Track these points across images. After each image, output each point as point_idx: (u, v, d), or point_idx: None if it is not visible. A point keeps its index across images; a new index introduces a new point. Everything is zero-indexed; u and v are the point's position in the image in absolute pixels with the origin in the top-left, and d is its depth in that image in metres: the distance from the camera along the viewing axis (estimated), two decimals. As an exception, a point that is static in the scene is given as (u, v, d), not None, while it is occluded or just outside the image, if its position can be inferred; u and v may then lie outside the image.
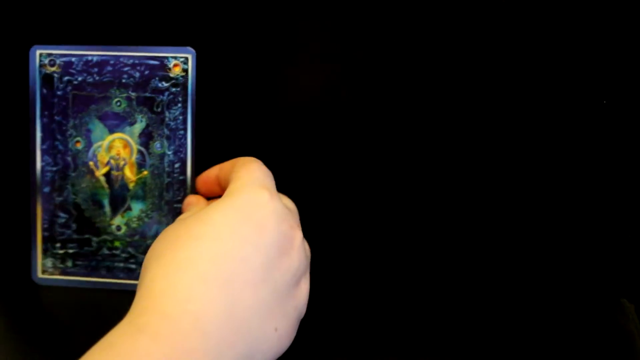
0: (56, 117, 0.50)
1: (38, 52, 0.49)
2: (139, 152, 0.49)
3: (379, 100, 0.50)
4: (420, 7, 0.48)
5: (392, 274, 0.51)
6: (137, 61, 0.48)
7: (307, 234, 0.41)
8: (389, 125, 0.50)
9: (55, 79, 0.49)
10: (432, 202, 0.50)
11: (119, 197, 0.50)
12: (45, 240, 0.51)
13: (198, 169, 0.48)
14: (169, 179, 0.49)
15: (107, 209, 0.50)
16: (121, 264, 0.50)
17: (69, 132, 0.50)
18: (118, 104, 0.49)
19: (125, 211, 0.50)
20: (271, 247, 0.37)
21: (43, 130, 0.50)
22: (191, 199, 0.47)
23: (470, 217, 0.51)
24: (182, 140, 0.49)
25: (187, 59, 0.48)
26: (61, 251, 0.51)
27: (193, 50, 0.48)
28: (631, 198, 0.49)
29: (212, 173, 0.46)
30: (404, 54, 0.49)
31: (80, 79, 0.49)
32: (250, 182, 0.39)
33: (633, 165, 0.49)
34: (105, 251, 0.50)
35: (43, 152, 0.50)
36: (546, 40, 0.48)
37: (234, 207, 0.37)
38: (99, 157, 0.50)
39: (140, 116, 0.49)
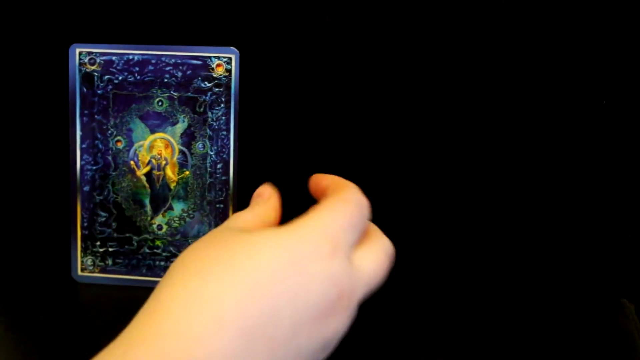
0: (96, 116, 0.49)
1: (78, 50, 0.49)
2: (181, 152, 0.49)
3: (427, 99, 0.50)
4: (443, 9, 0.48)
5: (393, 273, 0.52)
6: (179, 61, 0.48)
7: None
8: (440, 126, 0.50)
9: (96, 78, 0.49)
10: (432, 202, 0.51)
11: (160, 197, 0.50)
12: (84, 238, 0.51)
13: (241, 170, 0.49)
14: (211, 180, 0.49)
15: (148, 208, 0.50)
16: (162, 263, 0.50)
17: (109, 131, 0.49)
18: (160, 103, 0.49)
19: (166, 210, 0.50)
20: (311, 309, 0.32)
21: (83, 129, 0.50)
22: (264, 191, 0.40)
23: (470, 217, 0.51)
24: (225, 140, 0.48)
25: (230, 59, 0.48)
26: (101, 249, 0.51)
27: (236, 50, 0.48)
28: (631, 198, 0.50)
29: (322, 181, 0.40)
30: (446, 56, 0.49)
31: (121, 78, 0.49)
32: (322, 227, 0.33)
33: (633, 165, 0.49)
34: (146, 250, 0.50)
35: (83, 151, 0.50)
36: (546, 40, 0.48)
37: (292, 251, 0.32)
38: (140, 157, 0.50)
39: (182, 116, 0.49)
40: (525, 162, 0.50)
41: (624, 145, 0.49)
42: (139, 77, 0.49)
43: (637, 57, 0.47)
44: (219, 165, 0.49)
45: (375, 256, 0.36)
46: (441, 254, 0.51)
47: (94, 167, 0.50)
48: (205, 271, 0.31)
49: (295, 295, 0.31)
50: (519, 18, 0.48)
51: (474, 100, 0.50)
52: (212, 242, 0.34)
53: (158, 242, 0.50)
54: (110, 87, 0.49)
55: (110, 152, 0.50)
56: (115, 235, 0.50)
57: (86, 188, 0.50)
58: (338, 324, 0.33)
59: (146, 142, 0.49)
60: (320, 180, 0.40)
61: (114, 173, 0.50)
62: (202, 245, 0.34)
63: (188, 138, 0.49)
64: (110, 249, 0.51)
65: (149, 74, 0.48)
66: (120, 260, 0.51)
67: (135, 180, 0.50)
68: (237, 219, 0.37)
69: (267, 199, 0.39)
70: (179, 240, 0.50)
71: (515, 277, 0.51)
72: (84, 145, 0.50)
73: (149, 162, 0.50)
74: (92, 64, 0.49)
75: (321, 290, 0.32)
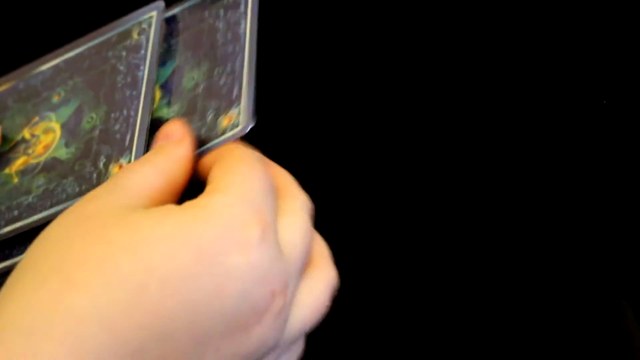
0: None
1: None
2: None
3: (454, 99, 0.50)
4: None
5: (393, 273, 0.52)
6: None
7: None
8: (445, 123, 0.50)
9: None
10: (432, 202, 0.51)
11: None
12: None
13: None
14: None
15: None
16: None
17: None
18: None
19: None
20: (220, 320, 0.23)
21: None
22: (174, 129, 0.28)
23: (470, 217, 0.51)
24: None
25: None
26: None
27: None
28: (631, 198, 0.50)
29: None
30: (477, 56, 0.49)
31: None
32: (238, 201, 0.24)
33: (633, 165, 0.49)
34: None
35: None
36: (546, 40, 0.48)
37: (199, 236, 0.23)
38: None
39: None
40: (525, 162, 0.50)
41: (624, 145, 0.49)
42: None
43: (637, 57, 0.47)
44: None
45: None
46: (442, 253, 0.51)
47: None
48: (69, 271, 0.23)
49: (202, 302, 0.23)
50: (519, 18, 0.48)
51: (474, 100, 0.50)
52: (90, 221, 0.24)
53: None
54: None
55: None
56: None
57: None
58: (268, 330, 0.24)
59: None
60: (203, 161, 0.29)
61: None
62: (74, 225, 0.24)
63: None
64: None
65: None
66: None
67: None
68: (132, 180, 0.26)
69: (178, 141, 0.28)
70: None
71: (515, 277, 0.51)
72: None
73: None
74: None
75: (244, 290, 0.23)
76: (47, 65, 0.36)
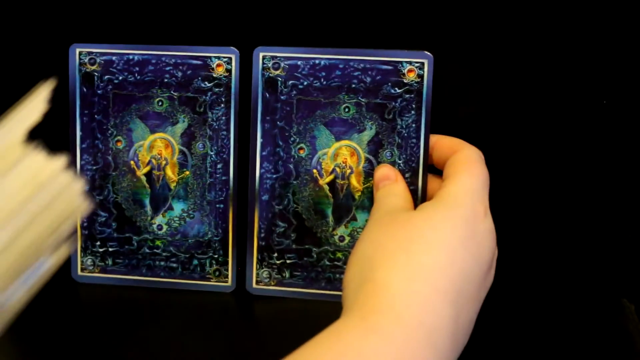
0: (96, 116, 0.49)
1: (78, 50, 0.49)
2: (181, 152, 0.49)
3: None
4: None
5: None
6: (179, 61, 0.48)
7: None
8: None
9: (96, 78, 0.49)
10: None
11: (160, 197, 0.50)
12: (84, 238, 0.51)
13: (240, 170, 0.48)
14: (211, 179, 0.49)
15: (148, 208, 0.50)
16: (162, 263, 0.50)
17: (109, 132, 0.50)
18: (160, 103, 0.49)
19: (166, 210, 0.50)
20: (485, 264, 0.37)
21: (83, 129, 0.50)
22: (388, 172, 0.45)
23: None
24: (225, 140, 0.48)
25: (230, 58, 0.48)
26: (101, 249, 0.51)
27: (236, 50, 0.48)
28: (631, 198, 0.50)
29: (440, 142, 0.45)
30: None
31: (121, 77, 0.49)
32: (472, 192, 0.39)
33: (633, 165, 0.49)
34: (146, 250, 0.50)
35: (83, 151, 0.50)
36: (546, 40, 0.48)
37: (462, 219, 0.37)
38: (140, 157, 0.50)
39: (182, 116, 0.49)
40: (525, 162, 0.50)
41: (624, 145, 0.49)
42: (139, 77, 0.49)
43: (637, 57, 0.47)
44: (219, 165, 0.49)
45: None
46: None
47: (94, 167, 0.50)
48: (411, 250, 0.36)
49: (477, 257, 0.37)
50: (520, 18, 0.48)
51: (473, 100, 0.50)
52: (399, 226, 0.38)
53: (158, 242, 0.50)
54: (110, 87, 0.49)
55: (110, 152, 0.50)
56: (115, 235, 0.50)
57: (86, 188, 0.50)
58: (493, 271, 0.39)
59: (146, 142, 0.49)
60: (441, 141, 0.45)
61: (114, 173, 0.50)
62: (393, 231, 0.37)
63: (188, 138, 0.49)
64: (110, 249, 0.51)
65: (149, 74, 0.48)
66: (120, 260, 0.51)
67: (135, 180, 0.50)
68: (391, 203, 0.42)
69: (395, 180, 0.45)
70: (179, 240, 0.50)
71: (515, 277, 0.51)
72: (84, 145, 0.50)
73: (149, 162, 0.50)
74: (92, 64, 0.49)
75: (488, 245, 0.38)
76: None
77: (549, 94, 0.49)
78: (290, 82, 0.47)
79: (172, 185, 0.50)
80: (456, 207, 0.38)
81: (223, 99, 0.48)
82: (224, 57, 0.48)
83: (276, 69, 0.47)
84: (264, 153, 0.48)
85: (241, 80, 0.48)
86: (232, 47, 0.48)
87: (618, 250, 0.50)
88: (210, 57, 0.48)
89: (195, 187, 0.49)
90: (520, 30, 0.48)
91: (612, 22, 0.47)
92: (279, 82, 0.47)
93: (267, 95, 0.47)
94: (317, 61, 0.47)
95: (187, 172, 0.49)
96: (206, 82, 0.48)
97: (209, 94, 0.48)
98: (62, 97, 0.50)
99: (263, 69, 0.47)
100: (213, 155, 0.49)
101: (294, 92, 0.47)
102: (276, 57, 0.47)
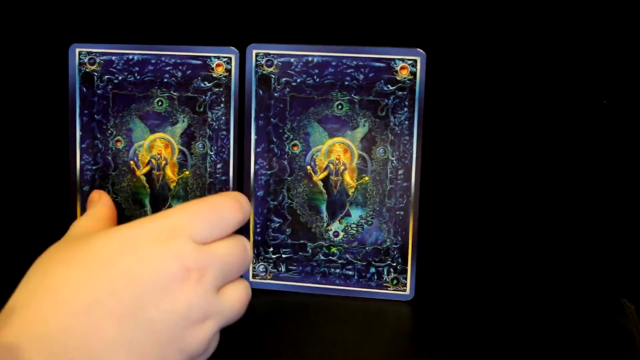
0: (96, 116, 0.49)
1: (77, 50, 0.49)
2: (181, 152, 0.49)
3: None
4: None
5: None
6: (179, 61, 0.48)
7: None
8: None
9: (95, 78, 0.49)
10: (433, 202, 0.51)
11: (160, 197, 0.50)
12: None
13: (241, 170, 0.49)
14: (211, 179, 0.49)
15: (148, 208, 0.50)
16: None
17: (109, 131, 0.50)
18: (159, 103, 0.49)
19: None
20: (149, 283, 0.34)
21: (82, 129, 0.50)
22: (93, 195, 0.47)
23: (470, 217, 0.51)
24: (225, 140, 0.48)
25: (230, 59, 0.48)
26: None
27: (236, 51, 0.48)
28: (631, 198, 0.50)
29: None
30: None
31: (120, 77, 0.49)
32: (161, 217, 0.36)
33: (633, 165, 0.49)
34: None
35: (83, 150, 0.50)
36: (547, 41, 0.48)
37: (122, 236, 0.36)
38: (140, 157, 0.50)
39: (182, 116, 0.49)
40: (525, 162, 0.50)
41: (624, 145, 0.49)
42: (138, 77, 0.49)
43: (637, 57, 0.47)
44: (218, 165, 0.49)
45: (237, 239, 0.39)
46: (442, 253, 0.51)
47: (94, 167, 0.50)
48: (49, 269, 0.35)
49: (131, 272, 0.34)
50: (520, 18, 0.48)
51: (473, 100, 0.50)
52: (58, 248, 0.38)
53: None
54: (110, 87, 0.49)
55: (110, 152, 0.50)
56: None
57: (86, 188, 0.50)
58: (190, 297, 0.35)
59: (146, 142, 0.49)
60: None
61: (113, 173, 0.50)
62: (49, 253, 0.37)
63: (188, 138, 0.49)
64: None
65: (149, 74, 0.48)
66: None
67: (135, 180, 0.50)
68: (76, 227, 0.42)
69: (97, 200, 0.46)
70: None
71: (515, 277, 0.51)
72: (83, 145, 0.50)
73: (149, 162, 0.50)
74: (92, 64, 0.49)
75: (160, 265, 0.34)
76: None
77: (544, 92, 0.49)
78: (284, 79, 0.47)
79: (172, 185, 0.50)
80: (127, 228, 0.37)
81: (223, 99, 0.48)
82: (224, 57, 0.48)
83: (269, 66, 0.47)
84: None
85: (241, 80, 0.48)
86: (232, 47, 0.48)
87: (618, 250, 0.50)
88: (210, 57, 0.48)
89: (195, 187, 0.49)
90: (514, 27, 0.48)
91: (612, 22, 0.47)
92: (272, 79, 0.47)
93: (261, 92, 0.47)
94: (310, 58, 0.47)
95: (187, 172, 0.49)
96: (206, 82, 0.48)
97: (209, 93, 0.48)
98: (62, 97, 0.50)
99: (256, 66, 0.47)
100: (213, 155, 0.49)
101: (287, 89, 0.47)
102: (269, 54, 0.47)
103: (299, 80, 0.47)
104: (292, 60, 0.47)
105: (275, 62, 0.47)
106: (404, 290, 0.48)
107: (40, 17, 0.52)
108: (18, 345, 0.32)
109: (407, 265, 0.48)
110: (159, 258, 0.35)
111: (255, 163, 0.48)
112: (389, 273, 0.48)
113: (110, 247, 0.35)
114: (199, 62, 0.48)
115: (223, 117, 0.48)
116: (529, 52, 0.48)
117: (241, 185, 0.49)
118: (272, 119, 0.48)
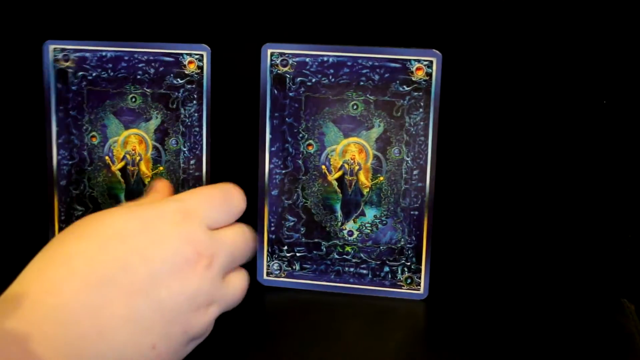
0: (71, 112, 0.50)
1: (51, 47, 0.49)
2: (155, 148, 0.50)
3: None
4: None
5: None
6: (151, 57, 0.48)
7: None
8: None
9: (70, 74, 0.49)
10: (447, 202, 0.50)
11: (135, 192, 0.50)
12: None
13: (214, 166, 0.49)
14: (184, 175, 0.49)
15: (123, 202, 0.51)
16: None
17: (84, 127, 0.50)
18: (133, 99, 0.49)
19: None
20: (163, 264, 0.36)
21: (58, 125, 0.50)
22: (157, 185, 0.46)
23: (484, 217, 0.51)
24: (198, 137, 0.49)
25: (202, 56, 0.48)
26: None
27: (208, 48, 0.48)
28: (631, 198, 0.49)
29: None
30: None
31: (94, 74, 0.49)
32: (176, 200, 0.39)
33: (633, 165, 0.49)
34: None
35: (59, 146, 0.50)
36: (547, 41, 0.47)
37: (139, 215, 0.37)
38: (115, 152, 0.50)
39: (155, 112, 0.49)
40: (525, 161, 0.49)
41: (624, 145, 0.48)
42: (112, 74, 0.49)
43: (637, 57, 0.47)
44: (192, 162, 0.49)
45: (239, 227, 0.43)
46: (442, 253, 0.51)
47: (70, 162, 0.51)
48: (65, 239, 0.36)
49: (146, 252, 0.35)
50: (528, 17, 0.47)
51: (472, 100, 0.49)
52: (76, 224, 0.38)
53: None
54: (84, 83, 0.49)
55: (85, 147, 0.50)
56: None
57: (63, 182, 0.51)
58: (200, 281, 0.37)
59: (120, 138, 0.50)
60: None
61: (89, 168, 0.51)
62: (70, 227, 0.38)
63: (161, 134, 0.49)
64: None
65: (122, 71, 0.49)
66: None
67: (110, 175, 0.50)
68: None
69: (160, 191, 0.46)
70: None
71: (515, 277, 0.51)
72: (60, 141, 0.50)
73: (124, 157, 0.50)
74: (66, 61, 0.49)
75: (174, 247, 0.36)
76: None
77: (557, 93, 0.48)
78: (299, 79, 0.47)
79: (147, 181, 0.50)
80: (145, 208, 0.39)
81: (195, 96, 0.48)
82: (195, 54, 0.48)
83: (284, 66, 0.47)
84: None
85: (240, 77, 0.48)
86: (203, 44, 0.48)
87: (618, 250, 0.50)
88: (182, 54, 0.48)
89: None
90: (530, 29, 0.47)
91: (613, 22, 0.46)
92: (287, 79, 0.47)
93: (276, 91, 0.47)
94: (325, 58, 0.47)
95: (161, 168, 0.50)
96: (178, 79, 0.48)
97: (182, 90, 0.49)
98: (38, 93, 0.50)
99: (271, 65, 0.47)
100: (186, 152, 0.49)
101: (302, 89, 0.47)
102: (284, 53, 0.47)
103: (314, 80, 0.47)
104: (307, 60, 0.47)
105: (290, 61, 0.47)
106: (418, 290, 0.48)
107: (14, 14, 0.52)
108: (33, 315, 0.32)
109: (421, 264, 0.48)
110: (174, 241, 0.37)
111: (270, 162, 0.48)
112: (403, 272, 0.48)
113: (125, 224, 0.37)
114: (171, 59, 0.48)
115: (196, 114, 0.49)
116: (545, 54, 0.48)
117: (215, 181, 0.49)
118: (287, 119, 0.48)
